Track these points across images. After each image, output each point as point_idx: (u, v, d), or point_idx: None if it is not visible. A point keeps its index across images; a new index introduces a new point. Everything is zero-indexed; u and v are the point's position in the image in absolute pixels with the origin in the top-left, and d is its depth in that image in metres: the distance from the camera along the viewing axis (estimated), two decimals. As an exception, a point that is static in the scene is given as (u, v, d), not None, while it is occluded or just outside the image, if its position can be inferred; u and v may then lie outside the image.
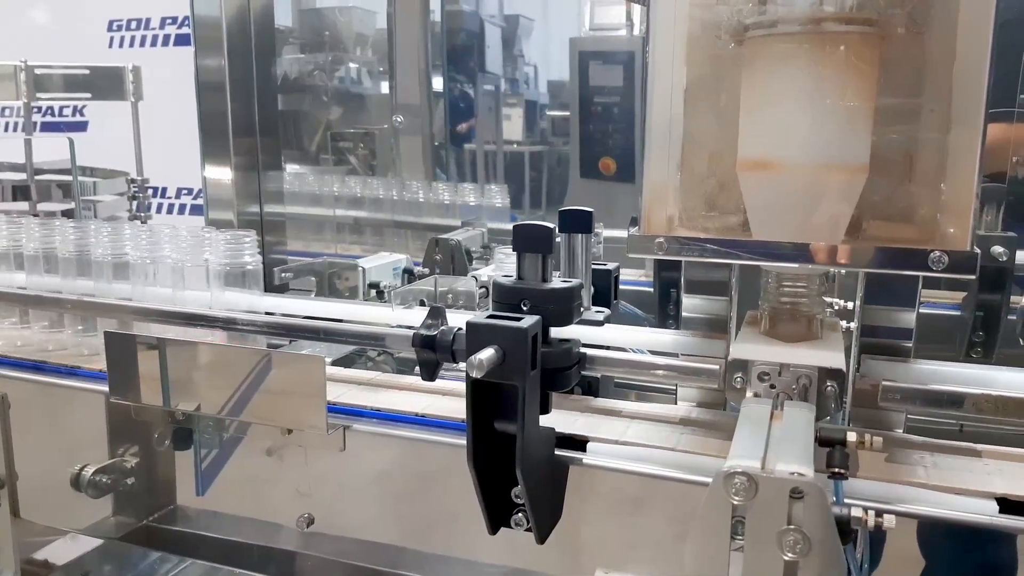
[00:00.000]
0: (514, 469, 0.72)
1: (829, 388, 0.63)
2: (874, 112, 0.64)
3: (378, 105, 2.51)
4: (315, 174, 1.98)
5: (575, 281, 0.74)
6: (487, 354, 0.64)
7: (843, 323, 0.78)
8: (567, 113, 2.75)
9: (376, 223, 1.92)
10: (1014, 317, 1.37)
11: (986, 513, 0.62)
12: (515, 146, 2.88)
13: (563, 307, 0.73)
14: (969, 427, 0.86)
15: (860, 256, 0.63)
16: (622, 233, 1.69)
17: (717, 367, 0.74)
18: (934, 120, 0.62)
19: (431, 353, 0.70)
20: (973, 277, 0.59)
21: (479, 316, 0.68)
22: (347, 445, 0.83)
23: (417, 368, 1.01)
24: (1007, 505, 0.63)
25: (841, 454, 0.55)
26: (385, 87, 2.58)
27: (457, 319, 0.86)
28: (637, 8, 2.76)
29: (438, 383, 0.89)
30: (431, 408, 0.84)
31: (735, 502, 0.46)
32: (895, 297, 0.81)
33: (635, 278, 1.68)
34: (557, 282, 0.74)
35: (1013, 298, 1.23)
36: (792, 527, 0.45)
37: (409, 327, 0.90)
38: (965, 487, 0.64)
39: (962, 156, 0.59)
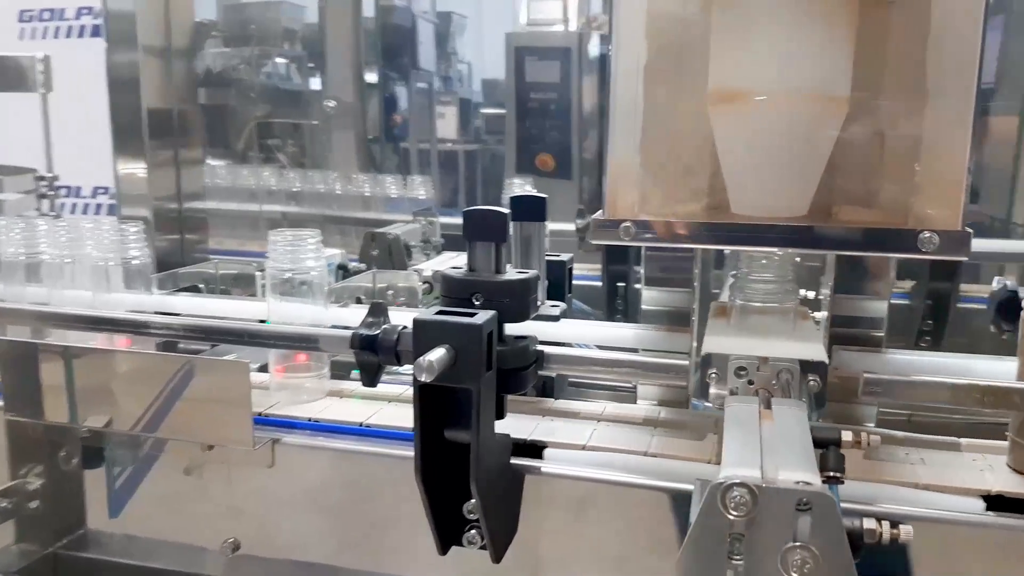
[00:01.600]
0: (466, 482, 0.65)
1: (812, 382, 0.58)
2: (854, 42, 0.58)
3: (308, 100, 2.41)
4: (240, 169, 1.87)
5: (531, 272, 0.67)
6: (437, 355, 0.57)
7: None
8: (503, 111, 2.68)
9: (304, 218, 1.82)
10: (964, 305, 1.36)
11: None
12: (449, 145, 2.80)
13: (519, 301, 0.66)
14: (917, 417, 0.83)
15: (843, 238, 0.58)
16: (564, 226, 1.63)
17: (686, 363, 0.68)
18: (914, 94, 0.58)
19: (372, 355, 0.62)
20: (966, 258, 0.54)
21: (427, 312, 0.61)
22: (276, 460, 0.75)
23: (356, 373, 0.93)
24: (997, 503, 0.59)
25: (836, 456, 0.50)
26: (315, 83, 2.49)
27: (401, 317, 0.79)
28: (574, 3, 2.71)
29: (381, 388, 0.82)
30: (374, 417, 0.76)
31: (733, 517, 0.40)
32: (859, 286, 0.77)
33: (579, 271, 1.62)
34: (512, 273, 0.67)
35: (963, 286, 1.22)
36: (798, 544, 0.39)
37: (346, 327, 0.82)
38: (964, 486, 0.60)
39: (952, 129, 0.54)
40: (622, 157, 0.61)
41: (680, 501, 0.65)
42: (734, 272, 0.70)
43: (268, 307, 0.80)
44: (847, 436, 0.53)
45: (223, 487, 0.76)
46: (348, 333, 0.65)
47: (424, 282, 0.95)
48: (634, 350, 0.79)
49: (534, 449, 0.70)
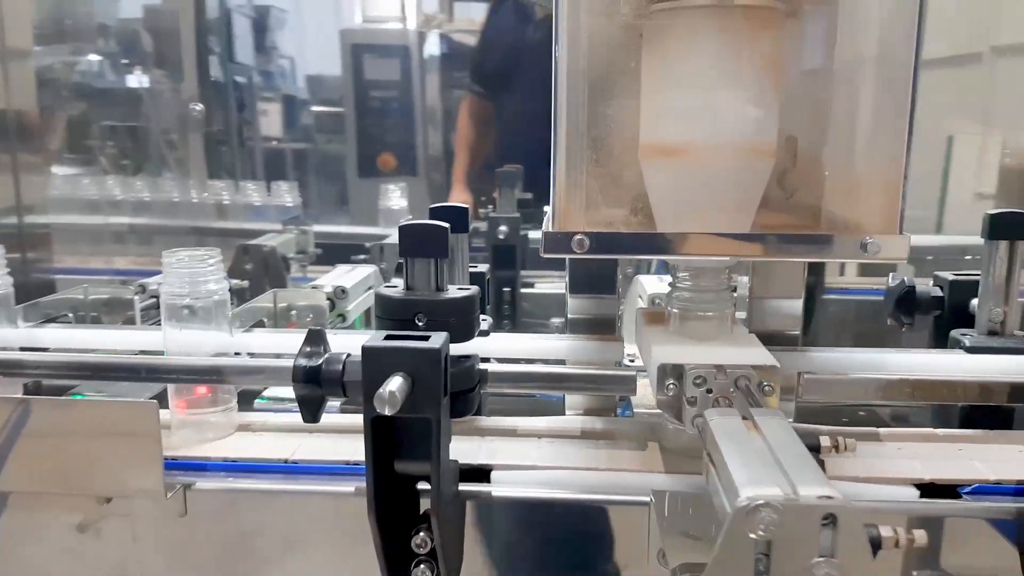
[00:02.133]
0: (414, 515, 0.61)
1: (767, 387, 0.59)
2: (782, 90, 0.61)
3: (129, 100, 2.23)
4: (80, 178, 1.69)
5: (473, 288, 0.64)
6: (395, 384, 0.52)
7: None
8: (337, 109, 2.60)
9: (155, 231, 1.68)
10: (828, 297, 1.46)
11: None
12: (274, 143, 2.67)
13: (465, 319, 0.63)
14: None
15: (794, 246, 0.59)
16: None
17: (633, 373, 0.68)
18: (845, 97, 0.60)
19: (315, 388, 0.57)
20: (905, 259, 0.57)
21: (375, 338, 0.56)
22: (189, 508, 0.67)
23: (261, 402, 0.86)
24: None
25: (818, 462, 0.51)
26: (133, 81, 2.31)
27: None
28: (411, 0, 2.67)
29: (290, 418, 0.76)
30: (299, 452, 0.69)
31: (759, 538, 0.39)
32: (774, 287, 0.79)
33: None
34: (454, 291, 0.64)
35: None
36: (823, 559, 0.39)
37: (255, 355, 0.76)
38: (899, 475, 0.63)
39: (890, 133, 0.57)
40: (570, 167, 0.59)
41: (635, 514, 0.64)
42: (670, 281, 0.70)
43: (164, 337, 0.72)
44: (824, 441, 0.54)
45: (126, 544, 0.67)
46: (285, 364, 0.59)
47: (328, 299, 0.89)
48: (561, 361, 0.78)
49: (480, 473, 0.67)
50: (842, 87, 0.60)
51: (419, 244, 0.62)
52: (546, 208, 0.77)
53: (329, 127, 2.68)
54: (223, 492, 0.67)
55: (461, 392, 0.64)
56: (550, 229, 0.60)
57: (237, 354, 0.74)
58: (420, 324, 0.62)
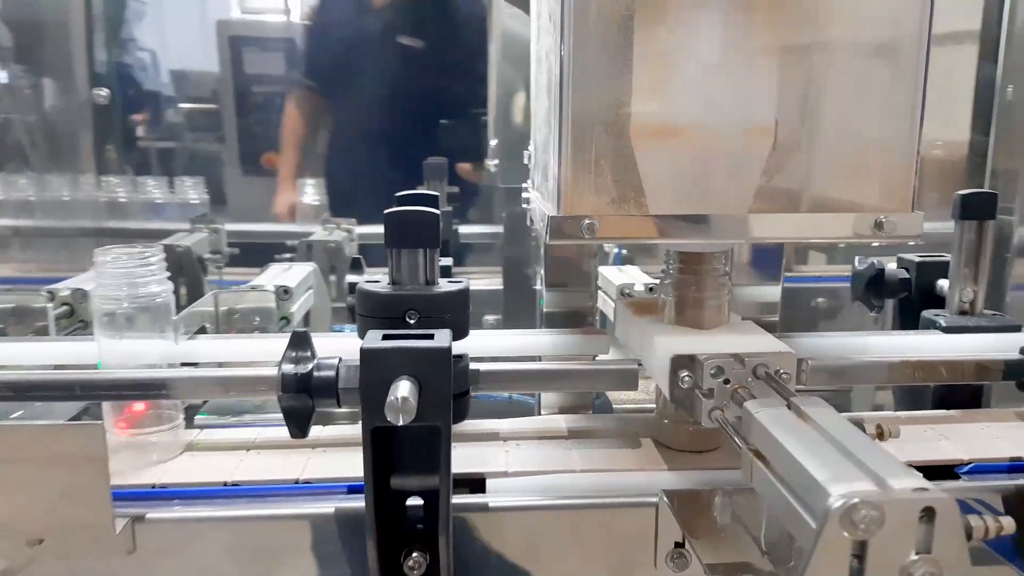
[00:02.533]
0: (404, 535, 0.55)
1: (784, 375, 0.56)
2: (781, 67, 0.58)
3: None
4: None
5: (464, 281, 0.59)
6: (406, 389, 0.46)
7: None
8: (211, 106, 2.43)
9: (44, 232, 1.51)
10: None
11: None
12: (140, 142, 2.49)
13: (460, 315, 0.57)
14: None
15: (811, 225, 0.57)
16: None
17: (635, 367, 0.64)
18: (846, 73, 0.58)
19: (305, 399, 0.49)
20: (919, 236, 0.56)
21: (374, 339, 0.50)
22: (138, 544, 0.58)
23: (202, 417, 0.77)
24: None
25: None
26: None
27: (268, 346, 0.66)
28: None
29: (237, 434, 0.68)
30: (261, 471, 0.62)
31: (859, 538, 0.36)
32: (754, 272, 0.78)
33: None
34: (444, 283, 0.58)
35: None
36: (920, 556, 0.36)
37: (204, 363, 0.67)
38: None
39: (900, 110, 0.55)
40: (577, 149, 0.54)
41: (642, 516, 0.60)
42: (662, 268, 0.67)
43: (99, 348, 0.62)
44: (869, 428, 0.52)
45: (64, 591, 0.57)
46: (267, 372, 0.51)
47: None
48: (536, 358, 0.73)
49: (471, 483, 0.62)
50: (846, 63, 0.57)
51: (408, 233, 0.56)
52: (526, 193, 0.72)
53: (202, 125, 2.49)
54: (177, 522, 0.59)
55: (457, 395, 0.58)
56: (555, 213, 0.55)
57: (186, 364, 0.65)
58: (412, 322, 0.55)
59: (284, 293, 0.84)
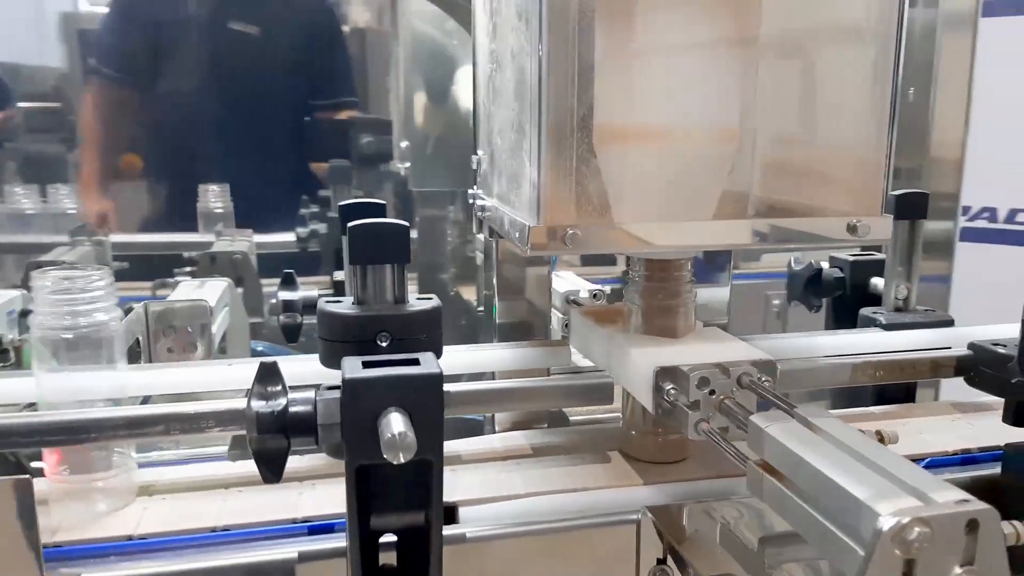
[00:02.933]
0: None
1: (767, 382, 0.55)
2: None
3: None
4: None
5: (433, 298, 0.55)
6: (401, 423, 0.42)
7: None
8: (52, 104, 2.24)
9: None
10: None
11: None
12: None
13: (433, 335, 0.53)
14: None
15: (780, 232, 0.56)
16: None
17: (609, 380, 0.61)
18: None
19: (281, 439, 0.44)
20: (888, 239, 0.56)
21: (352, 366, 0.45)
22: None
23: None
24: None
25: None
26: None
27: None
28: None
29: (200, 471, 0.61)
30: (225, 514, 0.55)
31: (911, 555, 0.35)
32: (705, 276, 0.78)
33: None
34: (413, 301, 0.53)
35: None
36: (965, 569, 0.36)
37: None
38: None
39: (870, 111, 0.56)
40: (559, 154, 0.51)
41: (624, 533, 0.58)
42: (629, 274, 0.65)
43: (37, 383, 0.54)
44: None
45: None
46: (228, 405, 0.45)
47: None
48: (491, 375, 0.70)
49: (446, 512, 0.57)
50: (815, 64, 0.57)
51: (376, 247, 0.51)
52: (483, 201, 0.68)
53: (37, 125, 2.26)
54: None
55: (432, 421, 0.54)
56: (535, 223, 0.52)
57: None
58: (384, 344, 0.51)
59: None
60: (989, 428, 0.69)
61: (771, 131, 0.57)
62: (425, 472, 0.46)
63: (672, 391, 0.54)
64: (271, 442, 0.44)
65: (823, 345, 0.73)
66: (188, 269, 1.13)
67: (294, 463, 0.61)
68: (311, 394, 0.45)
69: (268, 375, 0.45)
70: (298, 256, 1.35)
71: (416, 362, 0.46)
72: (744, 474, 0.53)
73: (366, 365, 0.45)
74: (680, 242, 0.56)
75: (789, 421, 0.46)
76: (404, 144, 1.36)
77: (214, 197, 1.39)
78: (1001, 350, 0.64)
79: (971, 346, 0.66)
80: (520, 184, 0.55)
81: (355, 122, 1.74)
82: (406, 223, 0.52)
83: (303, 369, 0.57)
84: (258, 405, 0.44)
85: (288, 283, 0.73)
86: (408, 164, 1.34)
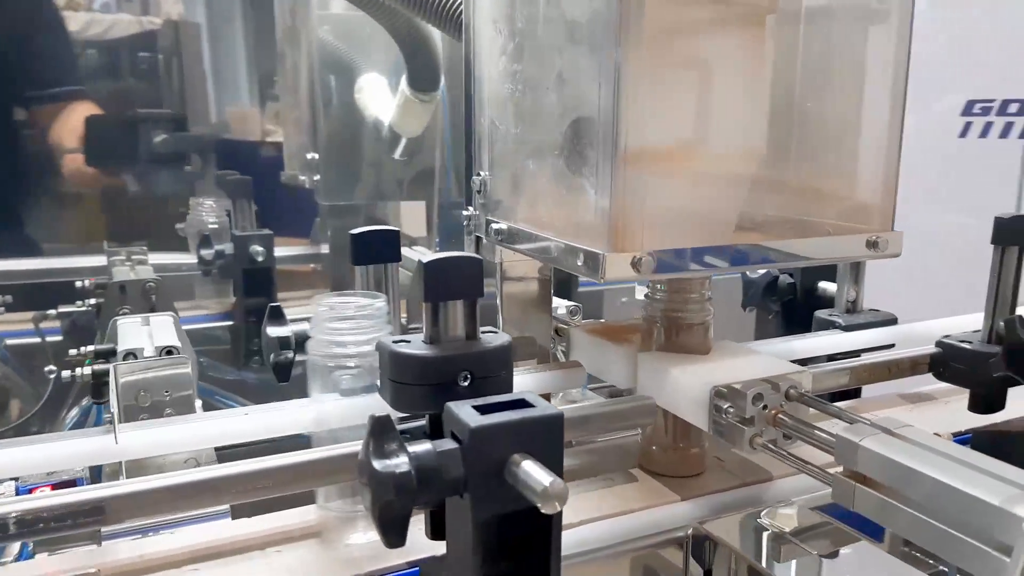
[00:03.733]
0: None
1: (806, 393, 0.58)
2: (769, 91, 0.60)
3: None
4: None
5: (499, 332, 0.52)
6: (542, 471, 0.40)
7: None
8: None
9: None
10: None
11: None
12: None
13: (508, 371, 0.51)
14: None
15: (813, 251, 0.59)
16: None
17: (652, 401, 0.62)
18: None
19: (406, 499, 0.40)
20: (900, 254, 0.61)
21: (464, 410, 0.42)
22: None
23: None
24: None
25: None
26: None
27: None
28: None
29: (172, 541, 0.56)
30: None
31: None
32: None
33: (194, 314, 1.33)
34: (489, 338, 0.51)
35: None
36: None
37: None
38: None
39: (884, 131, 0.60)
40: (633, 176, 0.51)
41: (671, 552, 0.59)
42: (647, 292, 0.65)
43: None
44: None
45: None
46: (337, 452, 0.41)
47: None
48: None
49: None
50: (828, 84, 0.61)
51: (451, 283, 0.49)
52: (497, 225, 0.66)
53: None
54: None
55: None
56: (607, 251, 0.51)
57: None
58: (465, 385, 0.48)
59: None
60: (944, 417, 0.77)
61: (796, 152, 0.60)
62: (542, 520, 0.44)
63: (729, 409, 0.56)
64: (398, 503, 0.40)
65: (801, 349, 0.78)
66: (93, 302, 1.01)
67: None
68: (428, 446, 0.42)
69: (383, 430, 0.42)
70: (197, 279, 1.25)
71: (525, 403, 0.44)
72: (766, 480, 0.56)
73: (481, 410, 0.43)
74: (755, 260, 0.57)
75: (877, 433, 0.48)
76: (311, 156, 1.29)
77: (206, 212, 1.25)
78: (967, 346, 0.71)
79: (939, 344, 0.72)
80: (562, 206, 0.55)
81: (148, 118, 1.65)
82: (479, 257, 0.50)
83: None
84: (381, 465, 0.40)
85: (276, 317, 0.68)
86: (318, 176, 1.28)
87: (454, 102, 1.18)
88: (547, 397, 0.72)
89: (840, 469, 0.49)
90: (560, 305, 0.85)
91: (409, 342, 0.50)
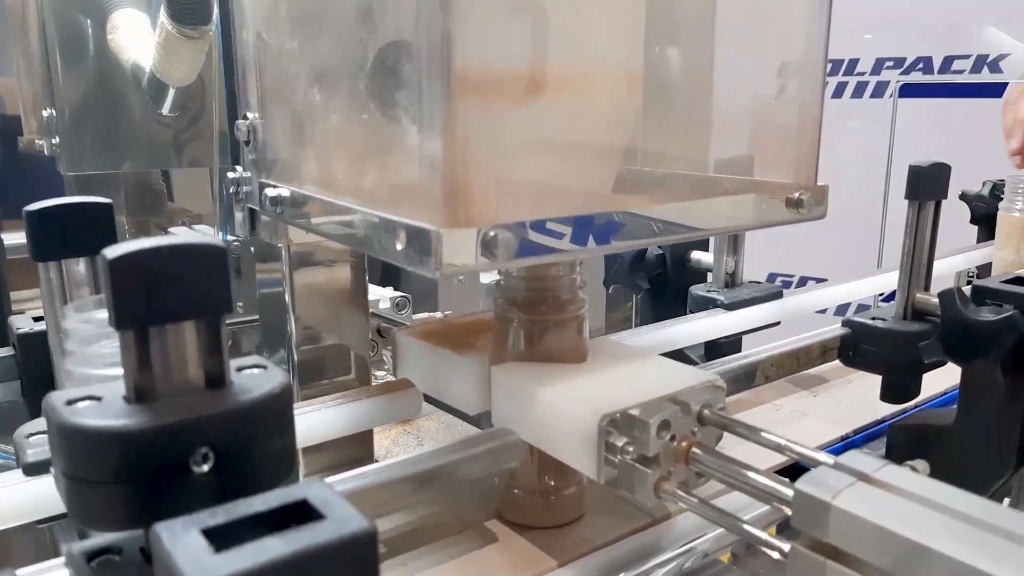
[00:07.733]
0: None
1: (721, 411, 0.42)
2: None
3: None
4: None
5: (273, 369, 0.32)
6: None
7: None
8: None
9: None
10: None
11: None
12: None
13: (284, 435, 0.31)
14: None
15: (721, 212, 0.42)
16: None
17: (513, 437, 0.43)
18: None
19: None
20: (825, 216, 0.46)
21: (192, 549, 0.22)
22: None
23: None
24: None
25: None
26: None
27: None
28: None
29: None
30: None
31: None
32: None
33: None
34: (250, 379, 0.31)
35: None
36: None
37: None
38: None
39: (805, 59, 0.44)
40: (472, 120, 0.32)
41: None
42: (496, 280, 0.47)
43: None
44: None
45: None
46: None
47: None
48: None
49: None
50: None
51: (168, 293, 0.28)
52: (273, 191, 0.45)
53: None
54: None
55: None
56: (443, 226, 0.32)
57: None
58: (204, 470, 0.28)
59: None
60: (855, 403, 0.65)
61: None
62: None
63: (628, 447, 0.39)
64: None
65: (684, 336, 0.63)
66: None
67: None
68: None
69: None
70: None
71: (308, 511, 0.24)
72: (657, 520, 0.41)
73: (218, 539, 0.23)
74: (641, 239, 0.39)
75: (854, 484, 0.33)
76: (48, 112, 0.99)
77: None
78: (880, 324, 0.58)
79: (848, 323, 0.60)
80: (394, 163, 0.35)
81: None
82: (218, 243, 0.29)
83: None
84: None
85: None
86: (57, 140, 0.99)
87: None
88: (370, 441, 0.53)
89: (799, 538, 0.33)
90: (382, 297, 0.65)
91: (100, 400, 0.29)
